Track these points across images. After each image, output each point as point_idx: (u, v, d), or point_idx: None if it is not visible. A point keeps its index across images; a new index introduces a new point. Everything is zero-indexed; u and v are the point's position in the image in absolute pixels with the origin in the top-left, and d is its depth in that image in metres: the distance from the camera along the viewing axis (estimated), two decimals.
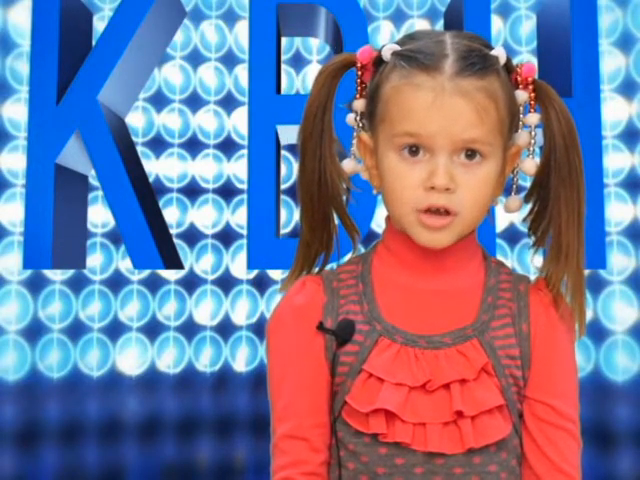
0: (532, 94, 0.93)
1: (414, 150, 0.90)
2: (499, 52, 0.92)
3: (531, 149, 0.95)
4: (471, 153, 0.90)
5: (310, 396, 0.95)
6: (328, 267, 1.01)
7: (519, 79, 0.94)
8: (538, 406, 0.95)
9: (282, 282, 1.01)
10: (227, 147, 2.40)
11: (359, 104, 0.97)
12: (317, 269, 1.00)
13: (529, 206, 0.97)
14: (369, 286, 0.96)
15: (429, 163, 0.89)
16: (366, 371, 0.92)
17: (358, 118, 0.97)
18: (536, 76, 0.94)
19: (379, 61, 0.94)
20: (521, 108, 0.94)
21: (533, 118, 0.94)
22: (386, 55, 0.92)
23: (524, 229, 1.00)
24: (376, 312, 0.95)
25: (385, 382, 0.91)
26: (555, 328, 0.96)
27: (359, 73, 0.96)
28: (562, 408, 0.95)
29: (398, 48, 0.92)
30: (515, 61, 0.95)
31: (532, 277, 1.00)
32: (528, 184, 0.98)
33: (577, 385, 0.98)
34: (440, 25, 2.34)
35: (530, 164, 0.95)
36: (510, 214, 1.00)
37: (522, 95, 0.93)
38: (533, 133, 0.94)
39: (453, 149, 0.89)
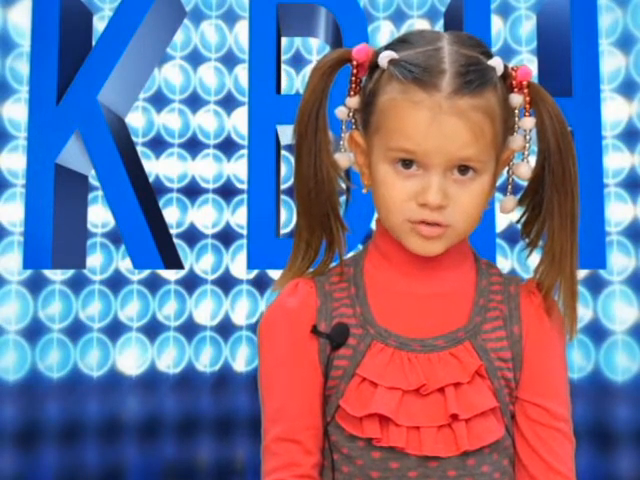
0: (527, 98, 0.92)
1: (407, 164, 0.89)
2: (496, 62, 0.91)
3: (525, 153, 0.94)
4: (464, 169, 0.89)
5: (303, 398, 0.95)
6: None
7: (514, 83, 0.92)
8: (531, 407, 0.95)
9: (276, 281, 0.99)
10: (227, 147, 2.40)
11: (353, 101, 0.96)
12: (312, 270, 0.98)
13: (523, 208, 0.97)
14: (361, 289, 0.96)
15: (423, 178, 0.89)
16: (359, 375, 0.92)
17: (351, 114, 0.96)
18: (532, 79, 0.93)
19: (375, 64, 0.93)
20: (516, 111, 0.92)
21: (528, 122, 0.93)
22: (382, 62, 0.91)
23: None
24: (369, 316, 0.94)
25: (379, 386, 0.91)
26: (546, 330, 0.96)
27: (354, 71, 0.95)
28: (555, 409, 0.95)
29: (395, 56, 0.90)
30: (514, 61, 0.94)
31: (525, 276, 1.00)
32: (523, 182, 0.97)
33: (568, 384, 0.98)
34: (440, 25, 2.33)
35: (524, 168, 0.94)
36: (509, 215, 1.00)
37: (517, 99, 0.92)
38: (528, 137, 0.93)
39: (447, 166, 0.88)
